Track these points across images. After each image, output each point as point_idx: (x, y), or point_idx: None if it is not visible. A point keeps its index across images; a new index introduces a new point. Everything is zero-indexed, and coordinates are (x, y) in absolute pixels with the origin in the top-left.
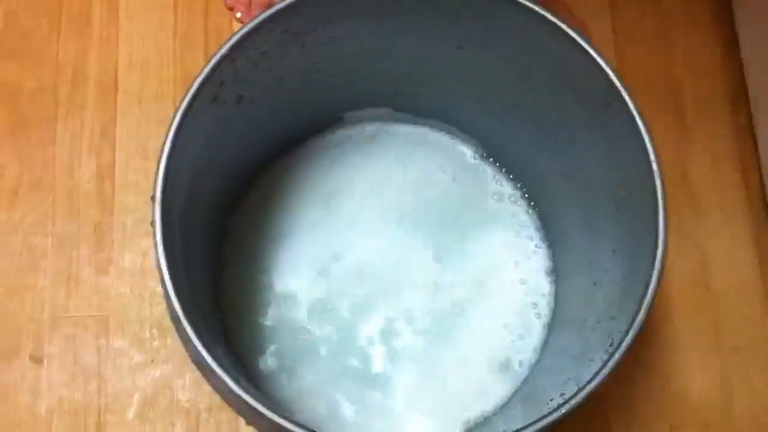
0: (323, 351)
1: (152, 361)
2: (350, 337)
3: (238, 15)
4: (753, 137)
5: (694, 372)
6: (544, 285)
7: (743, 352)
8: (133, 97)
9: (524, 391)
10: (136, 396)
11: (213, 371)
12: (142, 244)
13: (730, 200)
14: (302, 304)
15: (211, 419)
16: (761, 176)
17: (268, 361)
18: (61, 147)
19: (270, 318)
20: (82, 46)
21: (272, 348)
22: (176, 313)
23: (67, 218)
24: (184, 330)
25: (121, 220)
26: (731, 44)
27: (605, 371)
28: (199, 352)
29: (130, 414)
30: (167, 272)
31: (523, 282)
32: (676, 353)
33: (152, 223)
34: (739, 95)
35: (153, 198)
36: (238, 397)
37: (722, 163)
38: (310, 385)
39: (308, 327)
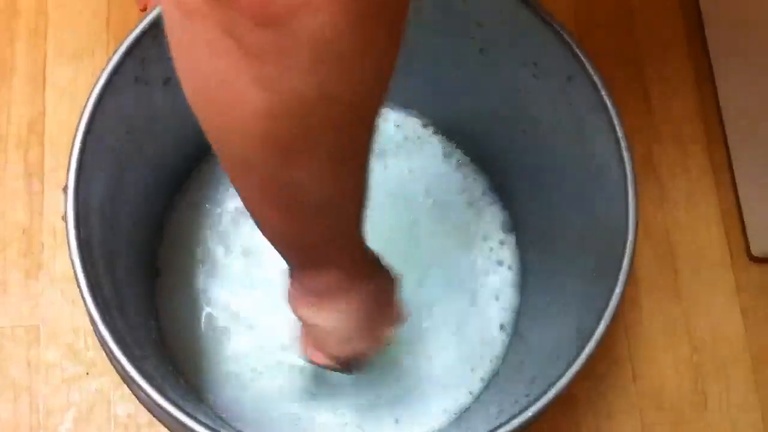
0: (266, 357)
1: (87, 373)
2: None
3: None
4: (720, 120)
5: (665, 366)
6: (507, 277)
7: (715, 344)
8: (64, 89)
9: (488, 393)
10: (71, 411)
11: (132, 379)
12: None
13: (697, 183)
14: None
15: None
16: (729, 158)
17: (208, 367)
18: None
19: (209, 323)
20: (9, 37)
21: (211, 353)
22: (91, 314)
23: None
24: (101, 333)
25: (51, 221)
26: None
27: (575, 367)
28: (117, 359)
29: (64, 431)
30: (81, 269)
31: (486, 274)
32: (647, 347)
33: (63, 217)
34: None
35: (65, 189)
36: (162, 408)
37: (689, 146)
38: (258, 396)
39: (252, 330)
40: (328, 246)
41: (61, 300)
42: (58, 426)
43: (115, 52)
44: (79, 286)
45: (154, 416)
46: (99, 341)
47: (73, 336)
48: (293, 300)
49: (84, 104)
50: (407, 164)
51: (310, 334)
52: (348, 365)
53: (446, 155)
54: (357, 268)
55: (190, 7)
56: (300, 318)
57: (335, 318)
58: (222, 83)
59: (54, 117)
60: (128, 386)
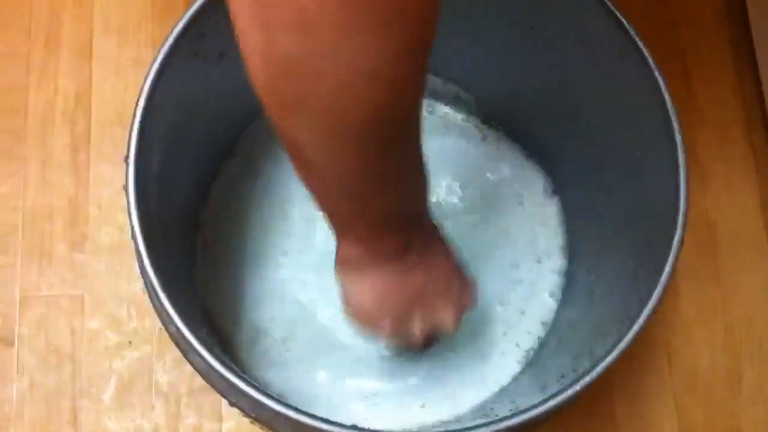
0: (313, 323)
1: (130, 342)
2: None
3: None
4: (761, 103)
5: (700, 348)
6: (556, 257)
7: (751, 327)
8: (110, 62)
9: (535, 368)
10: (113, 380)
11: (192, 347)
12: (119, 219)
13: (737, 168)
14: (289, 271)
15: (192, 403)
16: None
17: (249, 335)
18: (33, 116)
19: (253, 289)
20: (55, 10)
21: (253, 321)
22: (152, 283)
23: (40, 191)
24: (160, 302)
25: (97, 193)
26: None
27: (623, 345)
28: (177, 326)
29: (107, 398)
30: (142, 241)
31: (535, 255)
32: (683, 329)
33: (125, 187)
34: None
35: (126, 159)
36: (220, 375)
37: (729, 130)
38: (296, 358)
39: (297, 297)
40: (402, 208)
41: (105, 271)
42: (101, 394)
43: (176, 25)
44: (139, 256)
45: (208, 383)
46: (156, 309)
47: (116, 306)
48: (391, 284)
49: (140, 76)
50: (447, 139)
51: (421, 306)
52: (429, 339)
53: (488, 133)
54: (428, 231)
55: None
56: (409, 294)
57: (420, 283)
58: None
59: (100, 90)
60: (184, 354)
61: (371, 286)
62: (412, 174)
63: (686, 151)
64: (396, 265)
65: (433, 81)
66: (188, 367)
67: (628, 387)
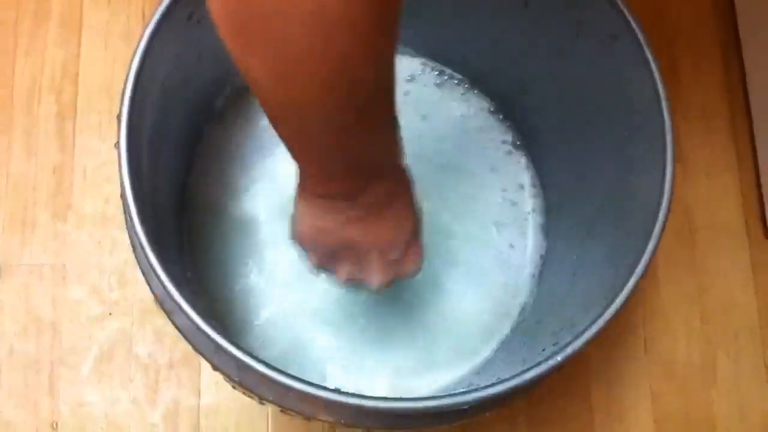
0: (295, 279)
1: (110, 313)
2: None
3: None
4: (745, 95)
5: (677, 337)
6: (534, 225)
7: (728, 316)
8: (99, 33)
9: (516, 344)
10: (93, 350)
11: (179, 307)
12: (103, 190)
13: (719, 158)
14: (269, 229)
15: (172, 375)
16: (752, 135)
17: (237, 295)
18: (19, 84)
19: (238, 249)
20: None
21: (241, 282)
22: (140, 241)
23: (24, 159)
24: (148, 259)
25: (82, 163)
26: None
27: (606, 317)
28: (163, 285)
29: (86, 369)
30: (131, 196)
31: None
32: (660, 317)
33: (116, 145)
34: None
35: (118, 117)
36: (204, 334)
37: (712, 120)
38: (280, 317)
39: (281, 257)
40: (365, 159)
41: (87, 240)
42: (80, 364)
43: None
44: (128, 215)
45: (190, 343)
46: (142, 267)
47: (98, 276)
48: (332, 222)
49: (139, 38)
50: (437, 112)
51: (352, 254)
52: (375, 281)
53: (477, 106)
54: (391, 186)
55: None
56: (344, 239)
57: (391, 226)
58: None
59: (88, 60)
60: (168, 315)
61: (314, 216)
62: (378, 128)
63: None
64: (344, 207)
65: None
66: (168, 340)
67: (606, 372)
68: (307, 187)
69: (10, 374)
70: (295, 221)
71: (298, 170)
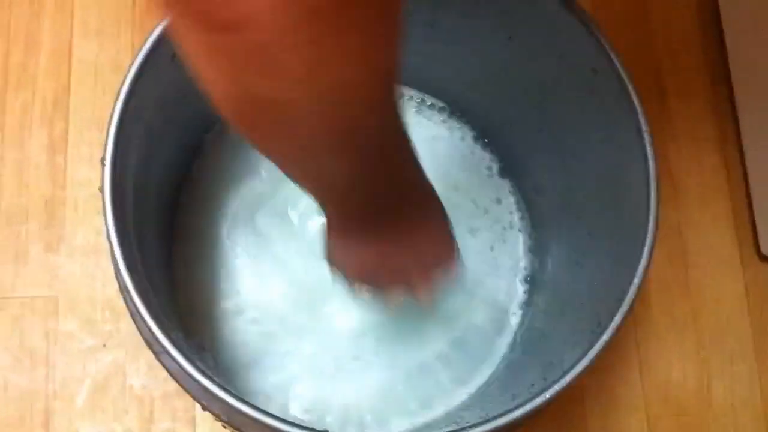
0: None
1: (104, 345)
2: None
3: None
4: (735, 118)
5: (672, 361)
6: (524, 265)
7: (722, 340)
8: (89, 65)
9: (504, 376)
10: (87, 382)
11: (165, 349)
12: (95, 221)
13: (709, 182)
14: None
15: (166, 407)
16: (742, 157)
17: (225, 343)
18: (11, 116)
19: (227, 297)
20: (35, 11)
21: (230, 328)
22: (126, 285)
23: (16, 192)
24: (134, 304)
25: (73, 195)
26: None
27: (594, 351)
28: (149, 329)
29: (80, 401)
30: (117, 242)
31: (500, 262)
32: (655, 342)
33: (101, 189)
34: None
35: (102, 161)
36: (191, 377)
37: (702, 144)
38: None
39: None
40: (387, 188)
41: (80, 272)
42: (74, 396)
43: (154, 29)
44: (113, 254)
45: (180, 385)
46: (130, 310)
47: (90, 308)
48: (342, 244)
49: (117, 78)
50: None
51: (363, 273)
52: (422, 292)
53: (459, 134)
54: (416, 200)
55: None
56: (384, 259)
57: (397, 248)
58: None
59: (78, 92)
60: (156, 356)
61: (358, 250)
62: (393, 151)
63: (658, 164)
64: (385, 230)
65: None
66: (162, 372)
67: (601, 398)
68: (335, 224)
69: (5, 408)
70: (332, 257)
71: (324, 213)
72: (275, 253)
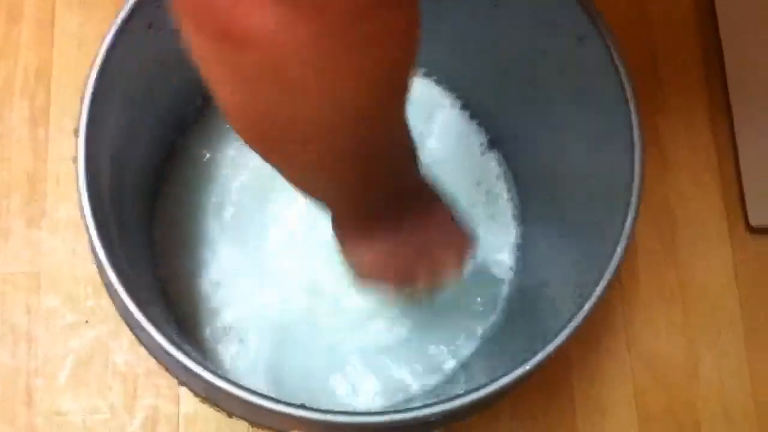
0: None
1: (87, 321)
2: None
3: None
4: (726, 92)
5: (659, 333)
6: (509, 233)
7: (710, 313)
8: (72, 37)
9: (490, 347)
10: (70, 358)
11: (139, 324)
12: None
13: (700, 157)
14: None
15: (150, 384)
16: (732, 128)
17: (210, 320)
18: None
19: (209, 266)
20: None
21: (214, 304)
22: (100, 259)
23: None
24: (108, 278)
25: (55, 169)
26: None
27: (575, 322)
28: (123, 303)
29: (63, 378)
30: (90, 214)
31: (489, 232)
32: (642, 314)
33: (74, 159)
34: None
35: (76, 131)
36: (166, 352)
37: (693, 118)
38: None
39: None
40: (395, 187)
41: (62, 248)
42: (57, 373)
43: None
44: (86, 228)
45: (157, 361)
46: (105, 283)
47: (73, 284)
48: (360, 246)
49: (96, 49)
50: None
51: (392, 270)
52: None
53: (449, 106)
54: (421, 192)
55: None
56: (377, 260)
57: (419, 238)
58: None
59: (61, 64)
60: (132, 330)
61: (370, 247)
62: (401, 156)
63: (644, 132)
64: (394, 227)
65: None
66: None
67: (588, 370)
68: (346, 226)
69: None
70: (352, 262)
71: (334, 217)
72: (257, 221)
